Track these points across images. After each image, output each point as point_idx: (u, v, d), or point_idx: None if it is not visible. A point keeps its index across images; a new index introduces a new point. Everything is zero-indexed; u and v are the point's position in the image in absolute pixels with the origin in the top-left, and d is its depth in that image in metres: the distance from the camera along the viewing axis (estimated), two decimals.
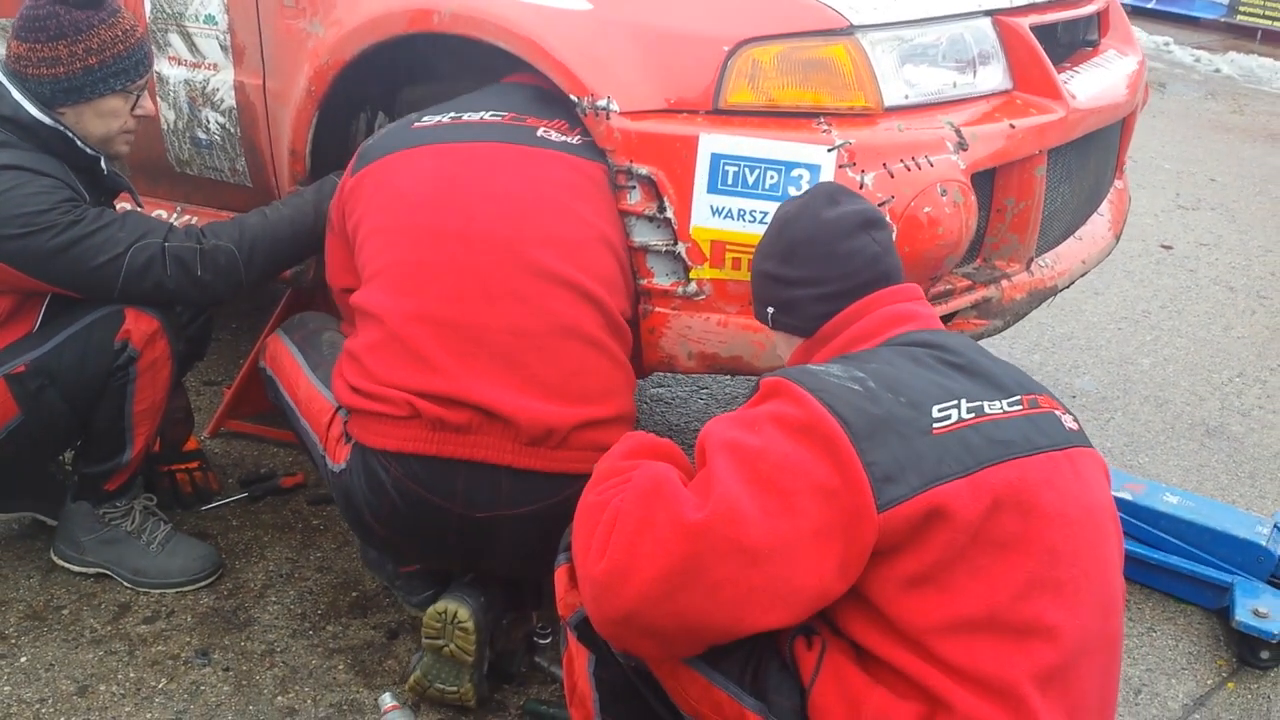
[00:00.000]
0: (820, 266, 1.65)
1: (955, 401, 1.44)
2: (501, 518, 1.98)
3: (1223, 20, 10.48)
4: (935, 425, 1.40)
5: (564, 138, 2.13)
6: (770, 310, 1.74)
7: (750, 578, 1.32)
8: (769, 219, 1.78)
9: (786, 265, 1.69)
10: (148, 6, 2.68)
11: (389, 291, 2.00)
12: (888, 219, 1.71)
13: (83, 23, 2.17)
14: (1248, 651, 2.40)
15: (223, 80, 2.65)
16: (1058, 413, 1.52)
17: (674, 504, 1.36)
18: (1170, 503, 2.61)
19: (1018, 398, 1.49)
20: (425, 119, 2.18)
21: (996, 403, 1.47)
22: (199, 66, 2.68)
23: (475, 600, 2.06)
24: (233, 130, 2.68)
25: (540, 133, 2.12)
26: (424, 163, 2.10)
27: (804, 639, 1.43)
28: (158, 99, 2.72)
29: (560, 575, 1.63)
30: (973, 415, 1.43)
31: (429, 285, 1.98)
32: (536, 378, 1.95)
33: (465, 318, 1.95)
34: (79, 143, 2.24)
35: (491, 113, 2.16)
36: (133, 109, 2.29)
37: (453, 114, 2.17)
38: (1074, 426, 1.53)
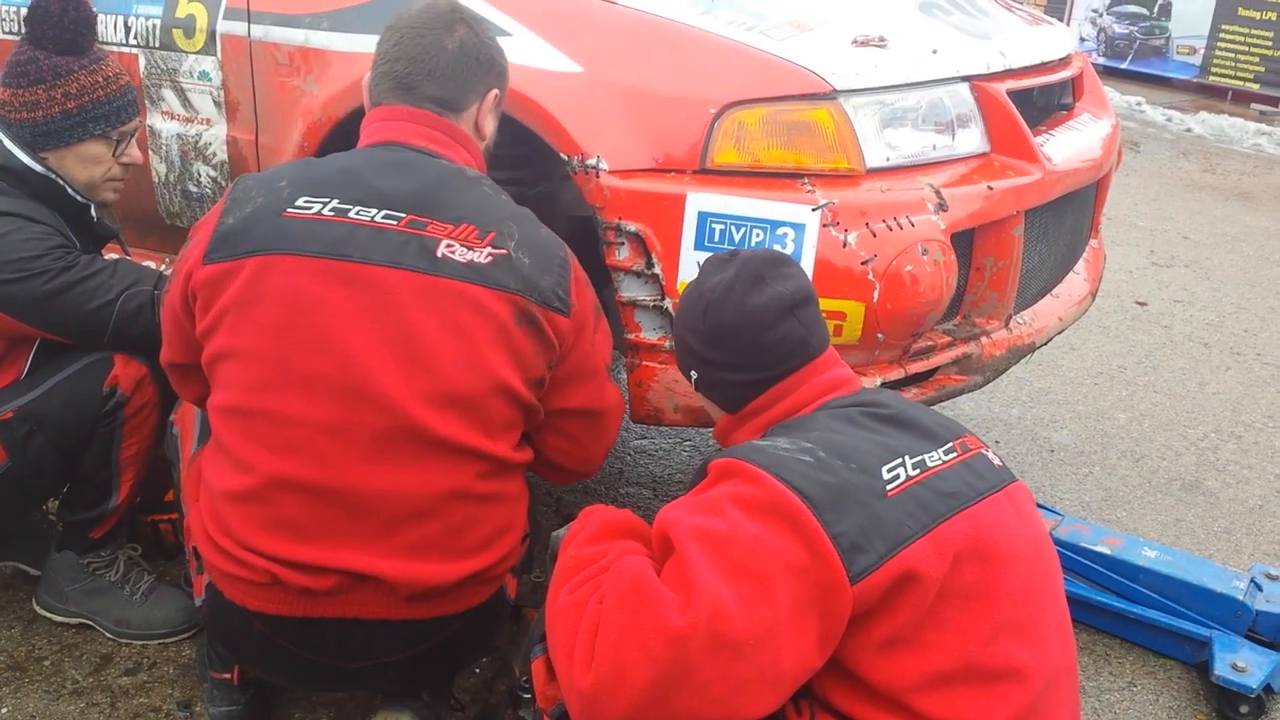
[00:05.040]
0: (744, 355, 1.66)
1: (900, 459, 1.46)
2: (382, 664, 1.86)
3: (1194, 80, 10.72)
4: (888, 487, 1.42)
5: (470, 254, 1.76)
6: (694, 375, 1.75)
7: (738, 670, 1.30)
8: (695, 279, 1.76)
9: (709, 348, 1.69)
10: (142, 61, 2.73)
11: (255, 442, 1.74)
12: (812, 292, 1.70)
13: (61, 68, 2.22)
14: (1227, 706, 2.42)
15: (215, 135, 2.69)
16: (984, 451, 1.57)
17: (656, 607, 1.32)
18: (1149, 557, 2.64)
19: (950, 444, 1.53)
20: (300, 202, 1.77)
21: (935, 454, 1.50)
22: (192, 121, 2.72)
23: (415, 703, 2.02)
24: (224, 184, 2.71)
25: (441, 251, 1.75)
26: (299, 283, 1.72)
27: (792, 705, 1.43)
28: (149, 152, 2.76)
29: (538, 668, 1.60)
30: (918, 471, 1.45)
31: (300, 447, 1.72)
32: (417, 542, 1.75)
33: (338, 484, 1.72)
34: (69, 190, 2.27)
35: (385, 213, 1.76)
36: (118, 156, 2.32)
37: (336, 203, 1.77)
38: (999, 463, 1.58)
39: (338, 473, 1.71)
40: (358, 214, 1.77)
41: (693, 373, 1.75)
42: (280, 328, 1.72)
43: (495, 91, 1.97)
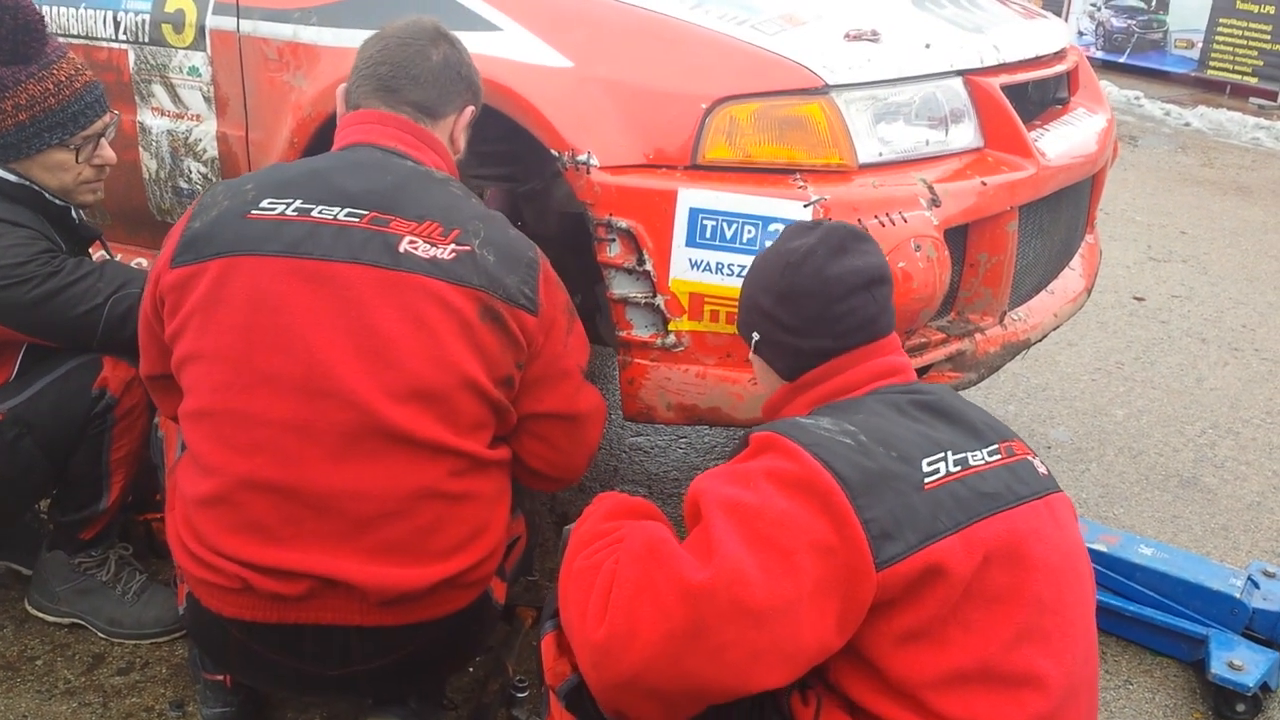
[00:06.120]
0: (814, 321, 1.65)
1: (942, 454, 1.45)
2: (359, 671, 1.84)
3: (1193, 75, 10.69)
4: (926, 480, 1.41)
5: (433, 250, 1.75)
6: (755, 337, 1.73)
7: (755, 639, 1.30)
8: (775, 241, 1.75)
9: (781, 308, 1.68)
10: (132, 58, 2.71)
11: (221, 444, 1.74)
12: (888, 273, 1.68)
13: (8, 79, 2.15)
14: (1223, 704, 2.41)
15: (205, 131, 2.68)
16: (1030, 458, 1.55)
17: (673, 564, 1.33)
18: (1145, 555, 2.63)
19: (995, 446, 1.52)
20: (265, 204, 1.78)
21: (978, 453, 1.49)
22: (182, 117, 2.71)
23: (402, 708, 2.01)
24: (215, 180, 2.70)
25: (405, 246, 1.74)
26: (261, 283, 1.73)
27: (799, 694, 1.43)
28: (139, 148, 2.75)
29: (547, 644, 1.59)
30: (959, 468, 1.45)
31: (265, 446, 1.71)
32: (386, 543, 1.73)
33: (305, 483, 1.70)
34: (45, 195, 2.24)
35: (348, 211, 1.77)
36: (85, 159, 2.26)
37: (300, 203, 1.78)
38: (1045, 471, 1.56)
39: (303, 471, 1.70)
40: (320, 213, 1.77)
41: (755, 334, 1.73)
42: (244, 328, 1.73)
43: (471, 108, 2.01)
